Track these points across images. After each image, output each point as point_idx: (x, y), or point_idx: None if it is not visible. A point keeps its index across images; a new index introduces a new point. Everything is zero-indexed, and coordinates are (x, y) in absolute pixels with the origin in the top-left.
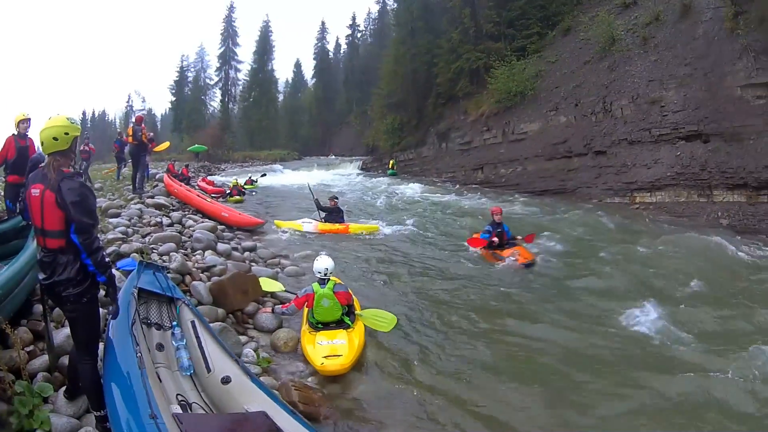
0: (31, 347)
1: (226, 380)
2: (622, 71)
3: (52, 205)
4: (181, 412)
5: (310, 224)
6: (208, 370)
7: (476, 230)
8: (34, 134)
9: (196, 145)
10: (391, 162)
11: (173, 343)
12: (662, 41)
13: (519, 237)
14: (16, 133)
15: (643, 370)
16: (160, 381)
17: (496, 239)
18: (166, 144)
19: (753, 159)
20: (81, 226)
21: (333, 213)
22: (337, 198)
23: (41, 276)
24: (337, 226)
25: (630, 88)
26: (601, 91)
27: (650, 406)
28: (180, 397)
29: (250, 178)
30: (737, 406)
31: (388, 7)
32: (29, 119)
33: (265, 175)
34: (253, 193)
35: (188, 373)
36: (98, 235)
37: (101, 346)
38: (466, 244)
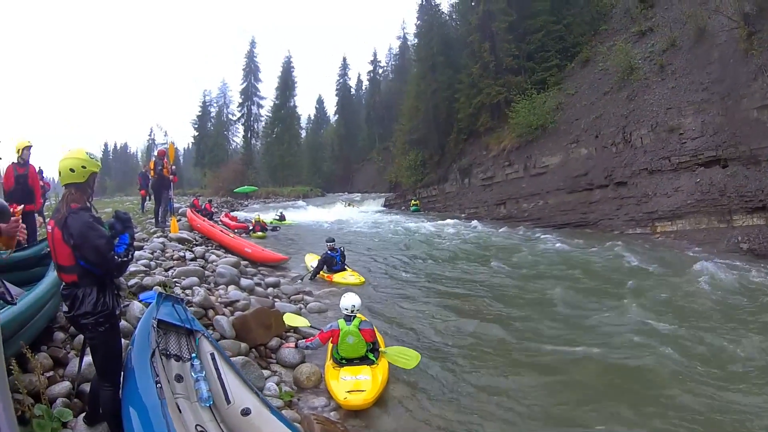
0: (51, 373)
1: (245, 412)
2: (641, 100)
3: (60, 242)
4: None
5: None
6: (228, 401)
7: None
8: (37, 162)
9: (246, 186)
10: (412, 201)
11: (192, 374)
12: (679, 67)
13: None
14: (16, 161)
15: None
16: (180, 411)
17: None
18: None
19: None
20: (88, 262)
21: (327, 261)
22: (332, 240)
23: (64, 308)
24: (325, 275)
25: (649, 117)
26: (620, 121)
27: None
28: (199, 428)
29: (281, 213)
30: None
31: (408, 43)
32: (30, 146)
33: (275, 227)
34: (278, 228)
35: (207, 405)
36: (120, 259)
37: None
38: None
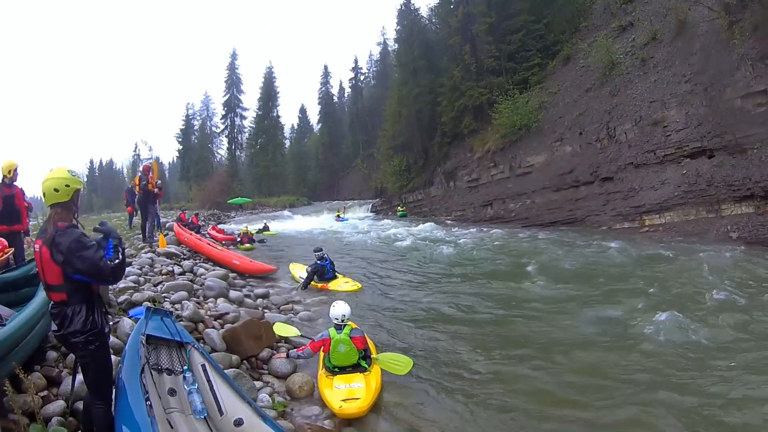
0: (45, 392)
1: (238, 422)
2: (624, 95)
3: (48, 261)
4: None
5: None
6: (221, 413)
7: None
8: (23, 183)
9: (239, 198)
10: (398, 207)
11: (185, 387)
12: (661, 60)
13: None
14: (1, 180)
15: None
16: (172, 427)
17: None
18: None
19: (758, 169)
20: (83, 274)
21: (318, 271)
22: (320, 250)
23: (54, 327)
24: (319, 284)
25: (632, 112)
26: (604, 117)
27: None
28: None
29: (265, 224)
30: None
31: (389, 49)
32: (16, 167)
33: (262, 239)
34: (265, 240)
35: (201, 417)
36: (111, 262)
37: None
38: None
